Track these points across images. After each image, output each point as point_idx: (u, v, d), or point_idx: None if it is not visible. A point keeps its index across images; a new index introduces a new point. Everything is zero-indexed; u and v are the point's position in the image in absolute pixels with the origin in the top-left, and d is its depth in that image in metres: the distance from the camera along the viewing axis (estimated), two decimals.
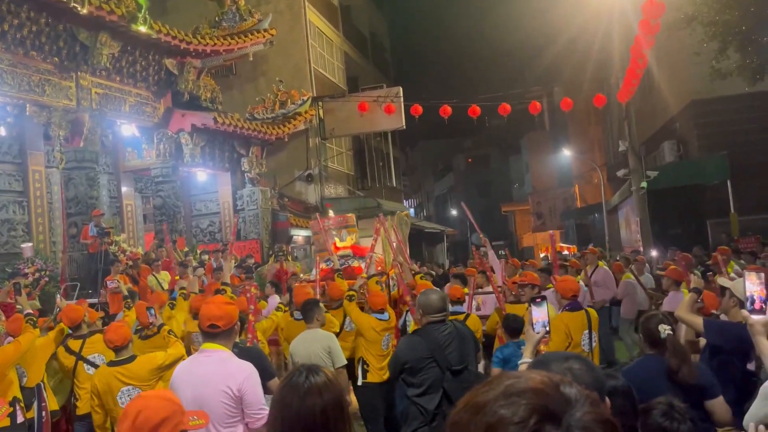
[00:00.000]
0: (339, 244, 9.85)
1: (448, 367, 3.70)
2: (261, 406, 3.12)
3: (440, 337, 3.77)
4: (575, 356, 1.58)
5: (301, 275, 10.11)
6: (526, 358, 2.82)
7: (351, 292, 6.27)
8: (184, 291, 6.24)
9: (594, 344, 4.82)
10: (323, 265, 8.62)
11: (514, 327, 5.36)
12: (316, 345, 4.93)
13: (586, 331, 4.81)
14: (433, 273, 14.63)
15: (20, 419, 4.73)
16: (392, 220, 10.65)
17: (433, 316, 3.85)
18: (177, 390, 3.14)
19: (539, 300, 2.88)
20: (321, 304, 5.44)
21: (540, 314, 2.83)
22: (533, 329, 2.85)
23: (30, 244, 11.68)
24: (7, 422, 4.61)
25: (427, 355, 3.72)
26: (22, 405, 4.81)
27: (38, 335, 5.13)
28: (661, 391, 2.81)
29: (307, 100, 18.74)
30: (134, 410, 1.89)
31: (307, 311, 5.16)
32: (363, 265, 8.05)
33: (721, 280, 4.46)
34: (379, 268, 8.61)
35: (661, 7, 9.26)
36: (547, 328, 2.86)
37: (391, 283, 7.95)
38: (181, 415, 1.89)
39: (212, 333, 3.15)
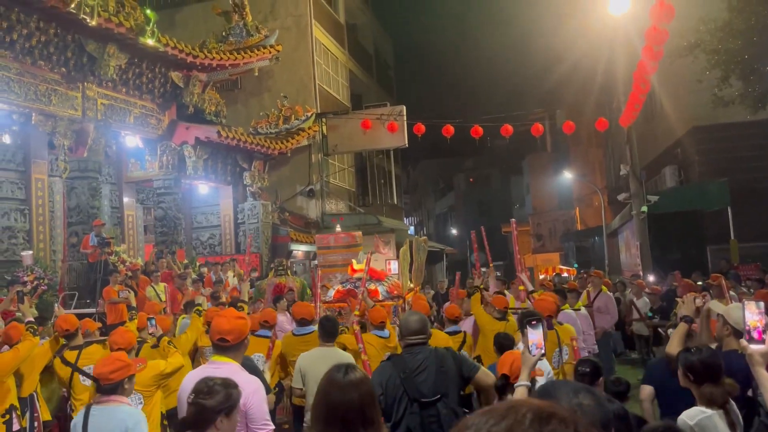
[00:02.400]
0: (356, 267, 9.85)
1: (416, 398, 3.34)
2: (265, 421, 3.13)
3: (412, 362, 3.46)
4: (585, 389, 1.58)
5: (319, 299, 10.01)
6: (523, 381, 2.81)
7: (343, 329, 6.26)
8: (200, 308, 6.22)
9: (563, 361, 5.01)
10: (339, 287, 8.63)
11: (504, 344, 5.40)
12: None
13: (557, 350, 4.98)
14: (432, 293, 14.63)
15: (16, 427, 4.71)
16: (410, 244, 10.68)
17: (409, 339, 3.61)
18: (185, 398, 3.16)
19: (534, 322, 2.86)
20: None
21: (536, 336, 2.82)
22: (529, 352, 2.83)
23: (30, 252, 11.66)
24: (2, 429, 4.60)
25: (398, 383, 3.41)
26: (19, 413, 4.79)
27: (38, 344, 5.12)
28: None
29: (311, 116, 18.85)
30: None
31: (331, 330, 4.92)
32: (379, 289, 8.06)
33: (713, 304, 4.39)
34: (396, 292, 8.60)
35: (665, 34, 9.33)
36: (543, 351, 2.84)
37: (407, 307, 7.94)
38: None
39: (222, 346, 3.18)
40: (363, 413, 2.27)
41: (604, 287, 9.46)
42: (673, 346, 4.14)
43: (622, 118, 15.19)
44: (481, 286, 6.45)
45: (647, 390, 4.04)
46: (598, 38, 19.86)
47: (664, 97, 18.46)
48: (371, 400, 2.35)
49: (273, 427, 3.18)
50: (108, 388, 3.43)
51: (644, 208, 16.20)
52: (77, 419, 3.45)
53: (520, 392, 2.77)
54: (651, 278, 14.20)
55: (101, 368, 3.46)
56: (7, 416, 4.66)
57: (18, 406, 4.81)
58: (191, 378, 3.28)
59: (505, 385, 2.98)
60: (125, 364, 3.53)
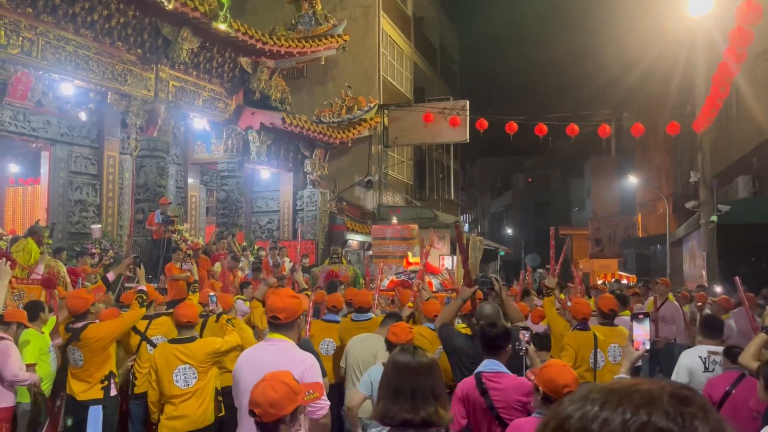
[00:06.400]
0: (411, 260, 9.90)
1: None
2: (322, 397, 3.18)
3: None
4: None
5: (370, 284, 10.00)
6: (623, 374, 2.73)
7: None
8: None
9: (602, 363, 5.06)
10: (393, 277, 8.69)
11: (544, 344, 5.40)
12: (373, 347, 4.92)
13: (593, 351, 5.07)
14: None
15: (113, 393, 4.86)
16: (466, 241, 10.59)
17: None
18: (241, 375, 3.26)
19: (641, 316, 2.79)
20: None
21: (640, 331, 2.74)
22: (632, 346, 2.76)
23: (99, 226, 12.16)
24: (100, 394, 4.78)
25: (474, 354, 3.88)
26: (117, 380, 4.94)
27: (143, 315, 5.23)
28: None
29: (374, 107, 18.89)
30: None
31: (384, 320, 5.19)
32: (433, 281, 8.03)
33: None
34: (449, 286, 8.57)
35: (750, 35, 8.89)
36: (647, 347, 2.76)
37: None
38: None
39: (275, 324, 3.26)
40: (430, 390, 2.35)
41: (670, 296, 9.14)
42: (747, 357, 3.96)
43: (696, 123, 14.57)
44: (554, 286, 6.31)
45: None
46: (674, 41, 19.14)
47: (742, 103, 17.62)
48: (442, 382, 2.44)
49: (329, 403, 3.22)
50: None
51: (714, 218, 15.53)
52: None
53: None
54: (718, 289, 13.63)
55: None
56: (106, 382, 4.80)
57: (116, 372, 4.96)
58: (246, 356, 3.39)
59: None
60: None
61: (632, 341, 2.76)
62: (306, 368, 3.13)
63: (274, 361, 3.14)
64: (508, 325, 4.13)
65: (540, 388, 2.79)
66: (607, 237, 38.08)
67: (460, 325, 5.74)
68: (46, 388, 5.16)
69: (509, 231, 52.04)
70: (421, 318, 6.14)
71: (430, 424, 2.32)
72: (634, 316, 2.80)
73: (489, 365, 3.45)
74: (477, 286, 4.36)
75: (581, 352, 5.04)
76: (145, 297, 5.21)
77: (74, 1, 11.11)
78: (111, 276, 5.85)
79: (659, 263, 27.77)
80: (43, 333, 5.28)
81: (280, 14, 18.34)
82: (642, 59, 24.99)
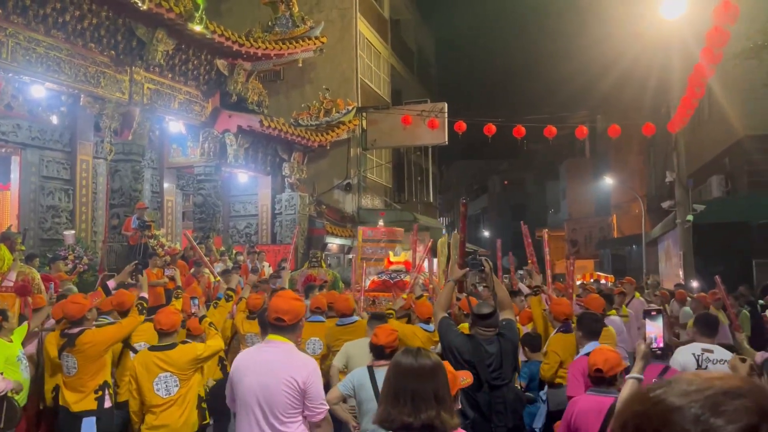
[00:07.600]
0: (393, 259, 9.81)
1: (488, 381, 3.73)
2: (322, 401, 3.16)
3: (486, 350, 3.85)
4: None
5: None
6: (635, 374, 2.63)
7: (390, 311, 6.23)
8: (231, 293, 6.16)
9: None
10: (374, 278, 8.61)
11: (534, 344, 5.41)
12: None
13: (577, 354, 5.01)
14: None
15: (107, 404, 4.66)
16: (446, 239, 10.57)
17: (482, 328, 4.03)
18: (240, 376, 3.18)
19: (654, 313, 2.69)
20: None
21: (653, 328, 2.64)
22: (644, 344, 2.66)
23: (72, 232, 11.86)
24: (93, 405, 4.58)
25: (468, 354, 3.79)
26: (111, 391, 4.74)
27: (141, 322, 5.04)
28: None
29: (352, 109, 18.78)
30: None
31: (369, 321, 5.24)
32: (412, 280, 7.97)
33: None
34: (431, 286, 8.51)
35: (726, 35, 9.00)
36: (662, 344, 2.66)
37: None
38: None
39: (278, 326, 3.19)
40: (433, 393, 2.23)
41: (637, 294, 9.32)
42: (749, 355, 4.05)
43: (672, 124, 14.77)
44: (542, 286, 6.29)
45: None
46: (649, 45, 19.39)
47: (716, 104, 17.92)
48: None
49: (328, 407, 3.23)
50: (387, 354, 3.76)
51: (690, 217, 15.75)
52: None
53: (630, 385, 2.60)
54: (695, 284, 13.82)
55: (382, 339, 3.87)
56: (100, 392, 4.61)
57: (111, 383, 4.76)
58: (247, 357, 3.33)
59: None
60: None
61: (644, 339, 2.68)
62: (309, 372, 3.12)
63: (276, 363, 3.13)
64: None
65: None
66: (583, 238, 38.51)
67: (463, 325, 5.68)
68: (21, 397, 4.95)
69: (486, 233, 52.31)
70: (413, 318, 6.11)
71: (432, 428, 2.21)
72: (647, 313, 2.71)
73: (594, 347, 3.87)
74: (468, 269, 4.22)
75: (566, 356, 4.98)
76: (145, 304, 5.05)
77: (45, 1, 10.83)
78: (112, 284, 5.70)
79: (635, 263, 28.12)
80: (12, 341, 5.07)
81: (256, 16, 18.17)
82: (617, 63, 25.27)
